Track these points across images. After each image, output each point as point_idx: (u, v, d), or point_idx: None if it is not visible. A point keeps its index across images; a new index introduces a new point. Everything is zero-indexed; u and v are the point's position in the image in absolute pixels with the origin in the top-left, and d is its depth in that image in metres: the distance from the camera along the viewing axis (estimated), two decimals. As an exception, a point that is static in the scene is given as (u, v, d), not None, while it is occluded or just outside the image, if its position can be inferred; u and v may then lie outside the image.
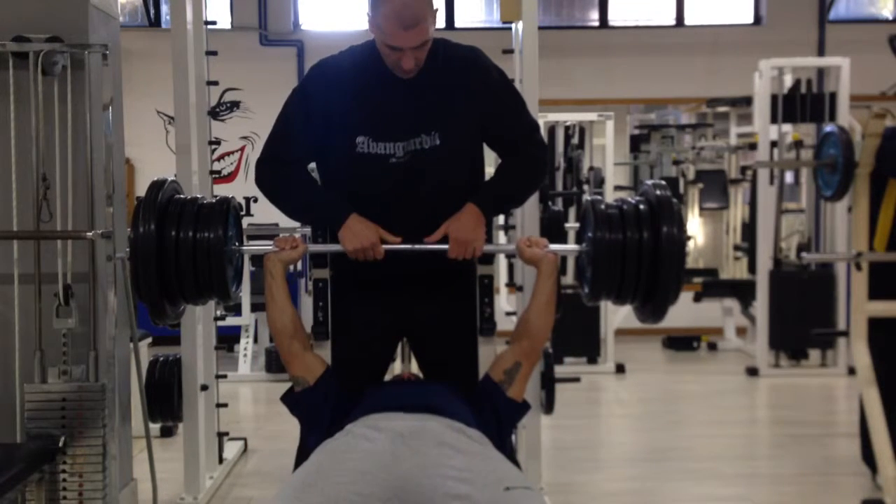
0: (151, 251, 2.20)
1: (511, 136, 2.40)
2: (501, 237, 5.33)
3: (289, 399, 2.29)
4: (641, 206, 2.27)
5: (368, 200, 2.33)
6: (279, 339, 2.30)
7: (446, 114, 2.30)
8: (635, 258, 2.22)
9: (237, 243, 2.37)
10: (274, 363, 6.27)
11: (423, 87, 2.29)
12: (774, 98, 6.46)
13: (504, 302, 6.79)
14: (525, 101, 2.49)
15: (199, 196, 2.38)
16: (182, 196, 2.35)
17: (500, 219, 4.08)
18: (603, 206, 2.31)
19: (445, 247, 2.29)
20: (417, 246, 2.31)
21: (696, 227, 8.54)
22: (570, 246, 2.41)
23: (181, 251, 2.22)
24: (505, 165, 2.44)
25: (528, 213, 3.56)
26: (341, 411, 2.18)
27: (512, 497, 1.79)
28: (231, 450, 4.33)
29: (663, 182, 2.36)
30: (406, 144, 2.29)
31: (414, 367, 3.67)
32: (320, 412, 2.21)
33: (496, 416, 2.22)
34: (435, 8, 2.22)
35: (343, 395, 2.26)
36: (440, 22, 8.83)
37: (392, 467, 1.83)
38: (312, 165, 2.46)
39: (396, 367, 3.93)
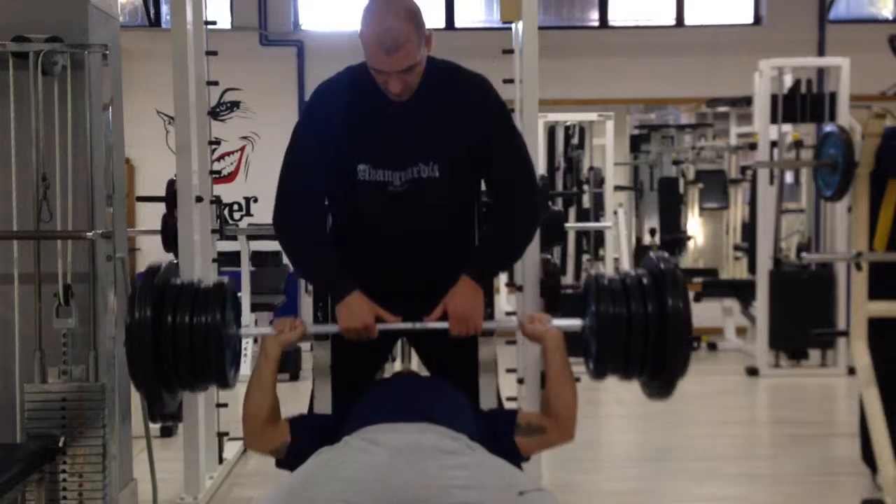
0: (147, 340, 2.15)
1: (505, 178, 2.34)
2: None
3: (282, 465, 2.22)
4: (645, 280, 2.22)
5: (369, 228, 2.33)
6: (252, 422, 2.21)
7: (445, 144, 2.26)
8: (641, 332, 2.17)
9: (235, 326, 2.31)
10: (274, 363, 6.25)
11: (424, 114, 2.25)
12: (774, 98, 6.45)
13: (504, 302, 6.79)
14: (525, 143, 2.42)
15: (195, 280, 2.32)
16: (179, 281, 2.29)
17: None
18: (606, 280, 2.26)
19: (445, 325, 2.27)
20: (418, 325, 2.30)
21: (696, 227, 8.54)
22: (574, 321, 2.32)
23: (178, 339, 2.17)
24: (495, 225, 2.38)
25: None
26: (336, 423, 2.17)
27: (527, 501, 1.78)
28: (231, 450, 4.33)
29: (666, 254, 2.30)
30: (404, 174, 2.25)
31: (414, 366, 3.68)
32: (317, 446, 2.13)
33: (494, 444, 2.14)
34: (426, 31, 2.16)
35: (322, 419, 2.24)
36: (440, 22, 8.78)
37: (389, 480, 1.82)
38: None
39: (397, 366, 3.93)
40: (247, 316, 6.43)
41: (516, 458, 2.20)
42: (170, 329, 2.17)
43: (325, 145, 2.27)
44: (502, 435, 2.18)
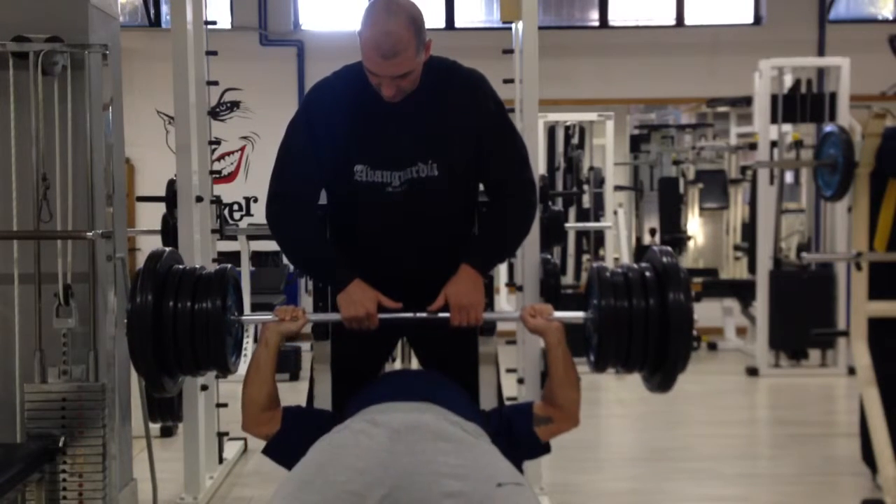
0: (148, 325, 2.16)
1: (501, 175, 2.34)
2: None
3: (269, 451, 2.23)
4: (647, 273, 2.24)
5: (369, 228, 2.33)
6: (249, 407, 2.23)
7: (443, 143, 2.26)
8: (642, 326, 2.18)
9: (236, 313, 2.32)
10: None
11: (421, 114, 2.25)
12: (774, 98, 6.45)
13: (504, 302, 6.79)
14: (522, 140, 2.42)
15: (197, 266, 2.33)
16: (181, 266, 2.31)
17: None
18: (608, 274, 2.27)
19: (446, 315, 2.27)
20: (418, 314, 2.29)
21: (696, 227, 8.54)
22: (576, 313, 2.32)
23: (179, 324, 2.18)
24: (494, 217, 2.38)
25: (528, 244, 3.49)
26: (333, 420, 2.17)
27: (503, 493, 1.79)
28: (231, 450, 4.33)
29: (669, 248, 2.32)
30: (403, 174, 2.26)
31: (414, 367, 3.68)
32: (302, 440, 2.11)
33: (510, 439, 2.16)
34: (425, 38, 2.15)
35: (318, 414, 2.25)
36: (440, 22, 8.77)
37: (388, 464, 1.83)
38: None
39: (397, 366, 3.93)
40: (247, 316, 6.43)
41: (537, 448, 2.23)
42: (171, 314, 2.18)
43: (320, 143, 2.26)
44: (521, 427, 2.20)
